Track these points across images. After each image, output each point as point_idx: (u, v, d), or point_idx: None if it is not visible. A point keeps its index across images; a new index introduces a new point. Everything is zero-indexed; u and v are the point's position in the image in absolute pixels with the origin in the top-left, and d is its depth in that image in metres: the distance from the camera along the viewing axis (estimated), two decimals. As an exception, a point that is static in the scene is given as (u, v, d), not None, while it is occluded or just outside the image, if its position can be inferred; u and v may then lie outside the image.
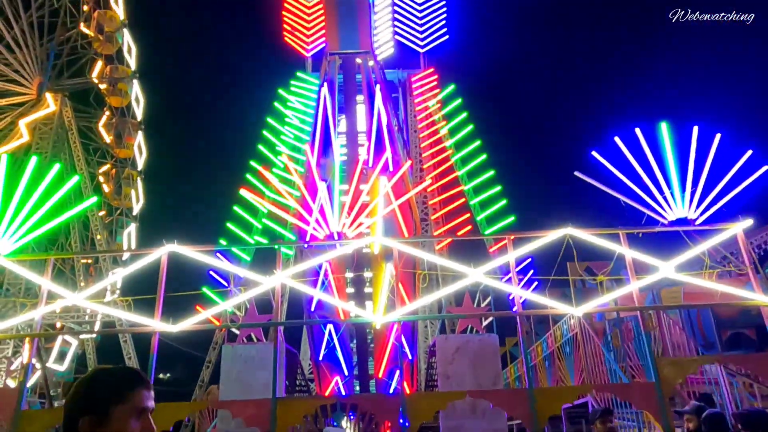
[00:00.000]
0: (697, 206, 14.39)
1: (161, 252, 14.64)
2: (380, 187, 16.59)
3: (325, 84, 26.17)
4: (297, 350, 31.22)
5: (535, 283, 17.74)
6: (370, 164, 19.89)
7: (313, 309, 22.11)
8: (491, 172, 32.63)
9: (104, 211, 50.43)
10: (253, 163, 24.17)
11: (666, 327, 17.42)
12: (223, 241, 21.25)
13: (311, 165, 18.76)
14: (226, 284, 21.17)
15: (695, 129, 14.74)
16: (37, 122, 38.64)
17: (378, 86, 24.50)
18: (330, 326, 21.91)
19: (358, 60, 26.99)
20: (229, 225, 24.46)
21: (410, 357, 23.56)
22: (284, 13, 42.80)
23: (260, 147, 29.15)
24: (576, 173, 15.65)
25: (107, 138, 50.09)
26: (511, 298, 15.56)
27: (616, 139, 15.52)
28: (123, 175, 51.89)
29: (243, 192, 19.74)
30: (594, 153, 15.62)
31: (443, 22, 41.08)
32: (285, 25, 42.27)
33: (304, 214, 15.15)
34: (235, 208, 24.74)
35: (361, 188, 17.01)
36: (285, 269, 15.39)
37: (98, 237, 46.48)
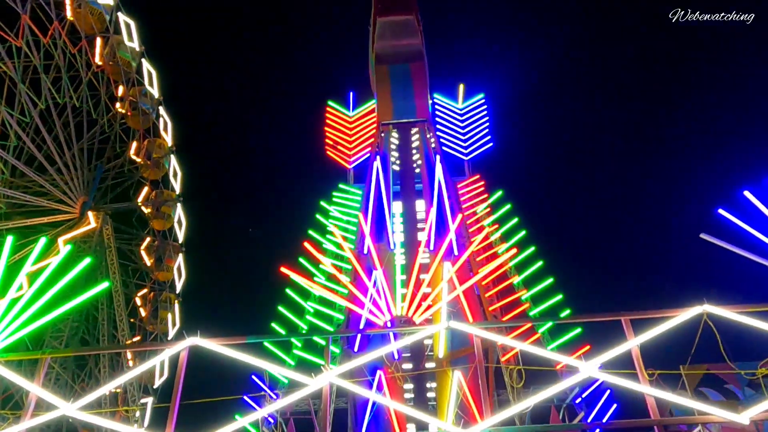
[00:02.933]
0: None
1: (181, 346, 11.29)
2: (444, 272, 13.39)
3: (378, 158, 23.73)
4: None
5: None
6: (432, 247, 16.76)
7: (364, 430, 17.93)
8: (550, 279, 29.02)
9: (139, 336, 47.79)
10: (305, 244, 21.08)
11: None
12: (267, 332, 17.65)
13: (365, 237, 15.75)
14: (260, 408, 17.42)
15: None
16: (77, 239, 37.25)
17: (438, 157, 21.96)
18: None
19: (414, 130, 24.89)
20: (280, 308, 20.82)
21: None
22: (326, 128, 42.40)
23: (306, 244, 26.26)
24: (702, 235, 12.13)
25: (148, 261, 48.63)
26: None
27: (747, 193, 12.20)
28: (161, 299, 49.86)
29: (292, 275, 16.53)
30: (722, 211, 12.24)
31: (486, 129, 39.78)
32: (327, 140, 41.64)
33: (360, 296, 11.94)
34: (287, 290, 21.20)
35: (422, 277, 13.76)
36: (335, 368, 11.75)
37: (129, 361, 43.41)
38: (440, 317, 10.98)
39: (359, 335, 14.37)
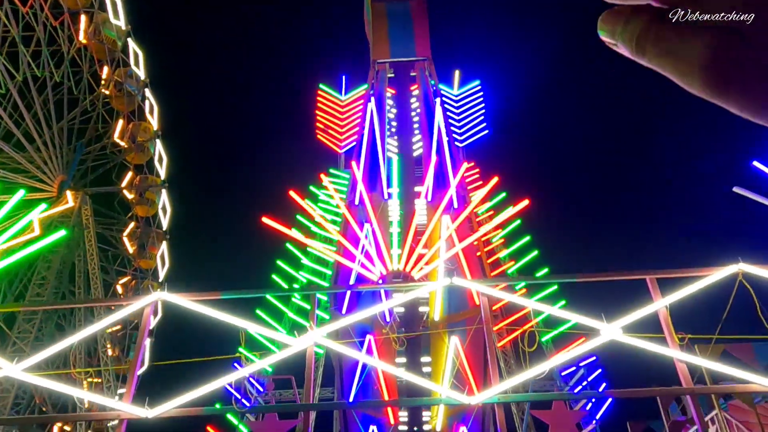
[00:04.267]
0: None
1: (145, 302, 9.77)
2: (443, 229, 11.94)
3: (372, 99, 21.87)
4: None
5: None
6: (430, 198, 15.23)
7: (352, 399, 16.39)
8: (546, 270, 27.63)
9: (119, 325, 45.93)
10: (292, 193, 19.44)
11: None
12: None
13: (357, 184, 14.21)
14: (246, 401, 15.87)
15: None
16: (54, 218, 35.33)
17: (438, 99, 20.23)
18: (373, 429, 15.98)
19: (413, 73, 23.18)
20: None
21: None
22: (317, 112, 40.91)
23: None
24: (735, 189, 10.78)
25: (130, 248, 46.82)
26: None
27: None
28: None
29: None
30: (756, 163, 10.91)
31: (482, 117, 38.46)
32: (318, 124, 40.15)
33: (351, 249, 10.45)
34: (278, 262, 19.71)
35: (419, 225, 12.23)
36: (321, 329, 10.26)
37: (109, 350, 41.68)
38: (438, 275, 9.60)
39: (348, 293, 12.93)
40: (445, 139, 18.69)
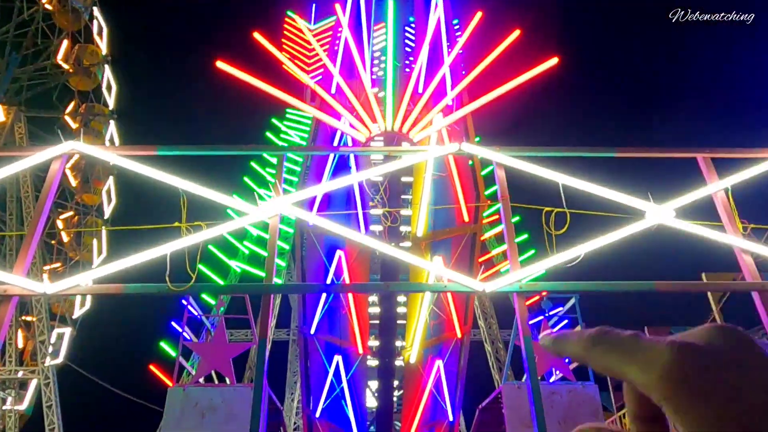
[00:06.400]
0: None
1: (53, 153, 7.11)
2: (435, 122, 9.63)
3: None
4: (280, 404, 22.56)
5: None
6: (421, 89, 12.76)
7: (313, 331, 14.29)
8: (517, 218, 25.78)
9: (58, 262, 42.29)
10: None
11: None
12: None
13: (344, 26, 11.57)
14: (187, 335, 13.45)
15: None
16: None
17: None
18: (338, 359, 13.91)
19: None
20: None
21: (450, 416, 15.37)
22: (284, 41, 37.68)
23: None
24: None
25: (73, 181, 42.89)
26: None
27: None
28: (85, 223, 44.37)
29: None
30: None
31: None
32: (284, 54, 36.95)
33: (332, 101, 8.04)
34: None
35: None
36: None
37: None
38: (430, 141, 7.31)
39: (332, 160, 10.63)
40: (442, 18, 15.93)
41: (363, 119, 8.35)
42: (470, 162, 13.68)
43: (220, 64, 12.10)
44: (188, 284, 6.82)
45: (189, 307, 13.18)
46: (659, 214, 7.24)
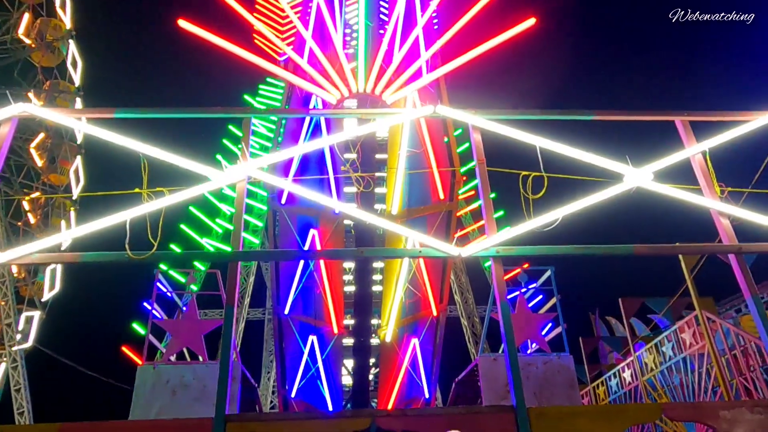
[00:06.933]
0: None
1: (1, 115, 6.59)
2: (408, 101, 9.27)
3: None
4: (255, 382, 22.34)
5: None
6: (397, 47, 12.11)
7: (287, 311, 13.99)
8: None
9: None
10: None
11: None
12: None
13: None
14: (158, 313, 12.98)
15: None
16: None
17: None
18: (313, 339, 13.67)
19: None
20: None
21: (427, 393, 15.31)
22: (255, 15, 36.64)
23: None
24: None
25: (39, 161, 41.46)
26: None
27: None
28: (53, 203, 43.01)
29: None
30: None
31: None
32: (255, 28, 36.02)
33: (305, 66, 7.60)
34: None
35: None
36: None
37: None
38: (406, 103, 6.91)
39: (311, 119, 10.19)
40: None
41: (334, 81, 7.99)
42: (446, 139, 13.39)
43: (183, 23, 11.45)
44: (149, 252, 6.44)
45: (159, 284, 12.77)
46: (637, 177, 7.08)
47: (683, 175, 7.70)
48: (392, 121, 7.14)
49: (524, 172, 7.07)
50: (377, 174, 12.58)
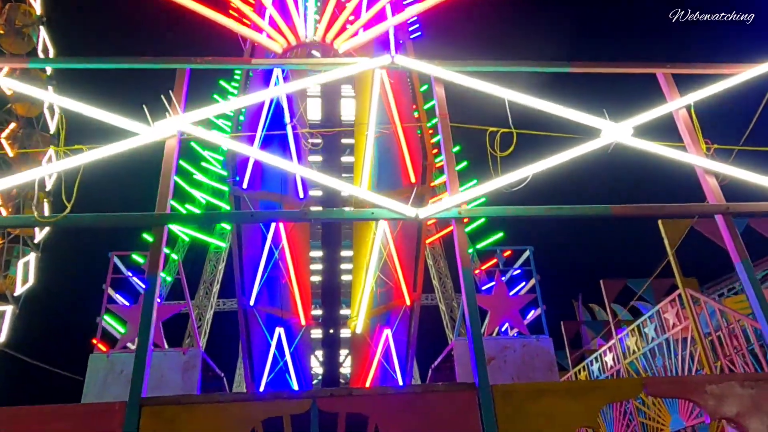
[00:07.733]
0: None
1: None
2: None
3: None
4: (227, 375, 21.43)
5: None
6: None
7: (252, 303, 13.24)
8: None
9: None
10: None
11: None
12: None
13: None
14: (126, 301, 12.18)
15: None
16: None
17: None
18: (280, 331, 12.93)
19: None
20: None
21: (400, 383, 14.67)
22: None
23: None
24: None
25: (10, 152, 40.13)
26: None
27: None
28: (26, 196, 41.76)
29: None
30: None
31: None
32: (231, 11, 34.97)
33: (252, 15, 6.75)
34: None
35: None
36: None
37: None
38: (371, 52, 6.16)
39: (272, 91, 9.22)
40: None
41: (280, 28, 7.20)
42: (415, 111, 12.63)
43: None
44: (61, 214, 5.62)
45: (121, 267, 11.97)
46: (616, 132, 6.38)
47: (667, 133, 7.03)
48: (343, 72, 6.39)
49: (492, 129, 6.34)
50: (343, 140, 11.82)
